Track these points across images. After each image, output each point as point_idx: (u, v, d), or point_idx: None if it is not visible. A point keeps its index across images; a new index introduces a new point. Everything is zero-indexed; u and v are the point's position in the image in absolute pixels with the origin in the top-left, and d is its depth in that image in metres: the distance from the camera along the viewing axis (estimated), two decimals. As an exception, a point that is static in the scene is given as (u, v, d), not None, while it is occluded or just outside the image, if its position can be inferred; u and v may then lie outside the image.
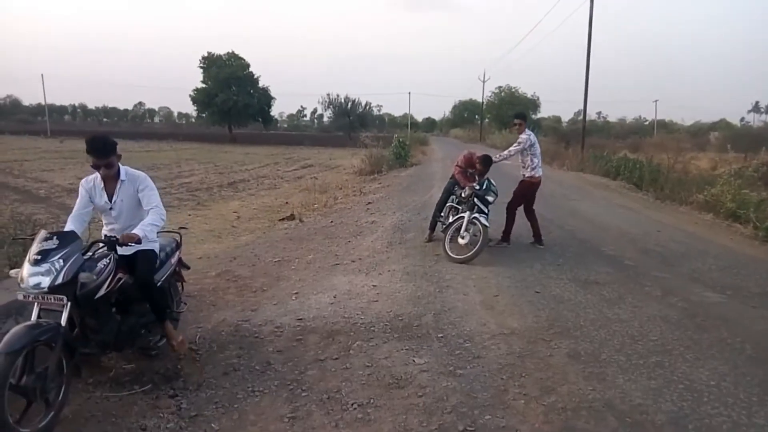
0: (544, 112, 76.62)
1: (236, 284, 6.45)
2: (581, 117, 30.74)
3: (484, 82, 63.65)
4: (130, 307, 3.85)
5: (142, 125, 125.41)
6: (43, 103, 79.27)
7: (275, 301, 5.76)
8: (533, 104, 67.06)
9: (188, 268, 5.04)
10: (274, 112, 74.87)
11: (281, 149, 47.70)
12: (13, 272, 3.47)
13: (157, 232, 4.10)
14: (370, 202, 13.31)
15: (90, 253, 3.53)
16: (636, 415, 3.31)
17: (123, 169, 3.90)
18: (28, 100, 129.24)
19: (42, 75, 71.52)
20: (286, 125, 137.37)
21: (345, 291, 5.94)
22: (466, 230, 7.13)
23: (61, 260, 3.22)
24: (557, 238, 8.65)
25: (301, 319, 5.11)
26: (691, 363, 4.08)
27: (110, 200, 3.89)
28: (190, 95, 65.73)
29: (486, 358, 4.15)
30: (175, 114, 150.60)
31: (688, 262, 7.28)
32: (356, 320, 5.02)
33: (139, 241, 3.60)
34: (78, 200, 3.95)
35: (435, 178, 17.46)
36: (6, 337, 2.97)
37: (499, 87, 67.81)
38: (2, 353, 2.85)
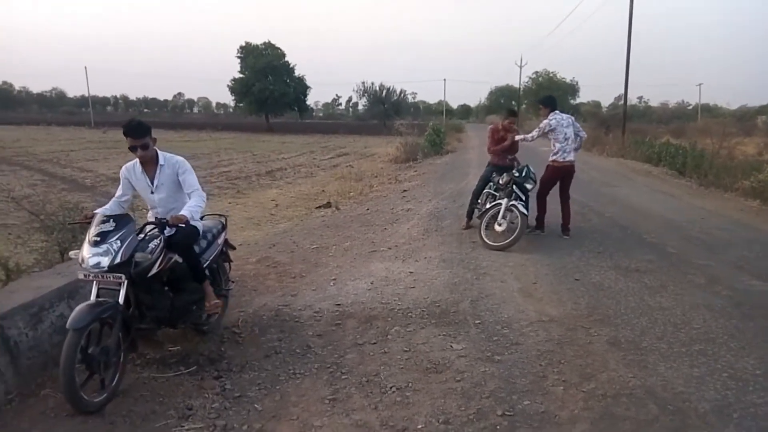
0: (584, 97, 75.04)
1: (276, 270, 6.59)
2: (622, 102, 29.99)
3: (521, 67, 62.79)
4: (181, 286, 4.01)
5: (182, 115, 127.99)
6: (86, 95, 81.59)
7: (314, 286, 5.86)
8: (572, 89, 65.73)
9: (234, 248, 5.20)
10: (310, 101, 75.33)
11: (317, 138, 48.08)
12: (72, 254, 3.69)
13: (203, 216, 4.28)
14: (405, 190, 13.32)
15: (142, 235, 3.69)
16: (678, 403, 3.27)
17: (161, 154, 4.07)
18: (72, 92, 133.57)
19: (86, 67, 73.52)
20: (321, 114, 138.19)
21: (382, 277, 5.99)
22: (503, 217, 7.08)
23: (118, 241, 3.42)
24: (597, 225, 8.52)
25: (339, 304, 5.19)
26: (735, 352, 3.99)
27: (151, 184, 4.06)
28: (228, 85, 66.80)
29: (524, 345, 4.15)
30: (214, 104, 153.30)
31: (733, 249, 7.07)
32: (394, 306, 5.07)
33: (187, 222, 3.77)
34: (119, 187, 4.18)
35: (471, 165, 17.35)
36: (72, 315, 3.20)
37: (537, 72, 66.72)
38: (70, 329, 3.12)
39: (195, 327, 4.34)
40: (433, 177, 15.68)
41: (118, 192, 4.15)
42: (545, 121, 7.53)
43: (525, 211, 6.93)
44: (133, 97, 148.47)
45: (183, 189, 4.12)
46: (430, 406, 3.31)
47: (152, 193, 4.09)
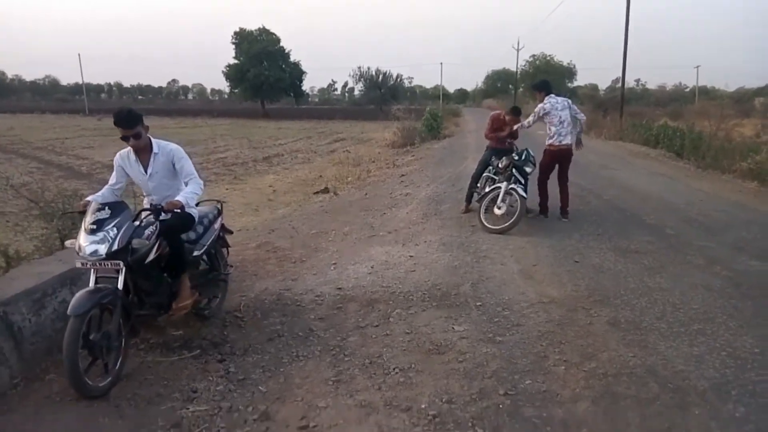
0: (581, 80, 74.59)
1: (276, 255, 6.60)
2: (619, 84, 29.92)
3: (518, 50, 62.45)
4: (178, 273, 4.01)
5: (177, 102, 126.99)
6: (79, 82, 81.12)
7: (314, 271, 5.88)
8: (569, 72, 65.43)
9: (231, 232, 5.20)
10: (305, 86, 74.86)
11: (313, 123, 47.89)
12: (69, 243, 3.67)
13: (199, 202, 4.26)
14: (403, 175, 13.32)
15: (138, 222, 3.68)
16: (678, 381, 3.30)
17: (155, 142, 4.03)
18: (65, 79, 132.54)
19: (79, 55, 72.78)
20: (317, 99, 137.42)
21: (382, 261, 6.01)
22: (503, 201, 7.09)
23: (114, 228, 3.42)
24: (596, 207, 8.54)
25: (340, 288, 5.21)
26: (734, 331, 4.03)
27: (145, 172, 4.03)
28: (222, 71, 66.27)
29: (525, 326, 4.18)
30: (209, 90, 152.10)
31: (731, 230, 7.10)
32: (394, 289, 5.09)
33: (182, 208, 3.74)
34: (113, 174, 4.13)
35: (468, 149, 17.32)
36: (72, 302, 3.22)
37: (534, 55, 66.35)
38: (71, 315, 3.14)
39: (196, 312, 4.35)
40: (430, 161, 15.67)
41: (112, 180, 4.09)
42: (539, 105, 7.51)
43: (524, 194, 6.94)
44: (127, 84, 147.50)
45: (179, 177, 4.09)
46: (433, 386, 3.34)
47: (147, 180, 4.06)
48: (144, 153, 4.01)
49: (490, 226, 6.98)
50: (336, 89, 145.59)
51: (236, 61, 64.81)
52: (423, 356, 3.77)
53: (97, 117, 51.75)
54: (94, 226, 3.41)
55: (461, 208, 8.29)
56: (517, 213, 6.85)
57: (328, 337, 4.18)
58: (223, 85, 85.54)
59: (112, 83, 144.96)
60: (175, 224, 3.92)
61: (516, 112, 7.89)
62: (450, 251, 6.21)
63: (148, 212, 3.75)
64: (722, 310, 4.43)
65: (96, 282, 3.43)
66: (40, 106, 74.71)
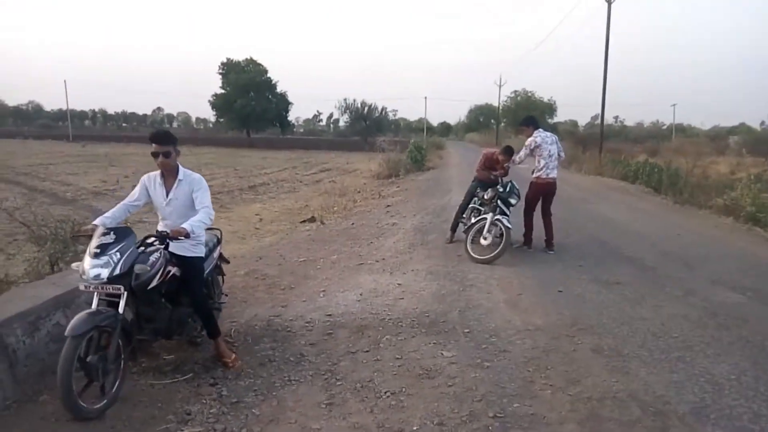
0: (561, 116, 76.24)
1: (265, 282, 6.67)
2: (598, 121, 30.69)
3: (500, 86, 63.72)
4: (178, 298, 4.09)
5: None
6: (63, 108, 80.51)
7: (304, 298, 5.96)
8: (549, 108, 66.88)
9: (228, 262, 5.29)
10: (291, 117, 75.40)
11: (298, 153, 48.13)
12: (74, 265, 3.74)
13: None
14: (389, 205, 13.49)
15: (143, 248, 3.76)
16: (659, 405, 3.44)
17: (182, 170, 4.14)
18: (49, 105, 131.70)
19: (65, 81, 72.83)
20: (302, 130, 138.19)
21: (371, 289, 6.12)
22: (489, 231, 7.28)
23: (117, 253, 3.49)
24: (577, 240, 8.76)
25: (330, 314, 5.30)
26: (712, 358, 4.19)
27: (166, 196, 4.12)
28: (209, 101, 66.68)
29: (512, 352, 4.30)
30: (193, 119, 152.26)
31: (708, 264, 7.35)
32: (384, 316, 5.19)
33: (187, 236, 3.80)
34: (133, 191, 4.21)
35: (452, 182, 17.60)
36: (71, 323, 3.27)
37: (515, 91, 67.87)
38: (69, 336, 3.19)
39: (189, 339, 4.40)
40: (416, 193, 15.88)
41: (133, 196, 4.17)
42: (530, 139, 7.75)
43: (509, 225, 7.13)
44: (111, 111, 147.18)
45: (195, 206, 4.16)
46: (423, 409, 3.43)
47: (165, 205, 4.13)
48: (169, 178, 4.11)
49: (476, 256, 7.14)
50: (321, 120, 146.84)
51: (223, 91, 65.29)
52: (413, 380, 3.86)
53: (82, 144, 51.57)
54: (98, 250, 3.48)
55: (447, 238, 8.45)
56: (502, 243, 7.03)
57: (320, 362, 4.25)
58: (208, 114, 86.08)
59: (96, 110, 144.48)
60: (190, 275, 4.07)
61: (509, 152, 8.02)
62: (437, 280, 6.33)
63: (154, 239, 3.82)
64: (700, 338, 4.60)
65: (98, 305, 3.49)
66: (22, 131, 74.14)
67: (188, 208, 4.12)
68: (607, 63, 23.89)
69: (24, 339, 3.78)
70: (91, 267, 3.45)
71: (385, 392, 3.68)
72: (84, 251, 5.67)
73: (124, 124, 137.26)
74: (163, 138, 4.01)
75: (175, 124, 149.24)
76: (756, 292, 6.02)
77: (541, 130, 7.85)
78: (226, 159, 38.63)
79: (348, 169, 29.51)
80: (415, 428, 3.20)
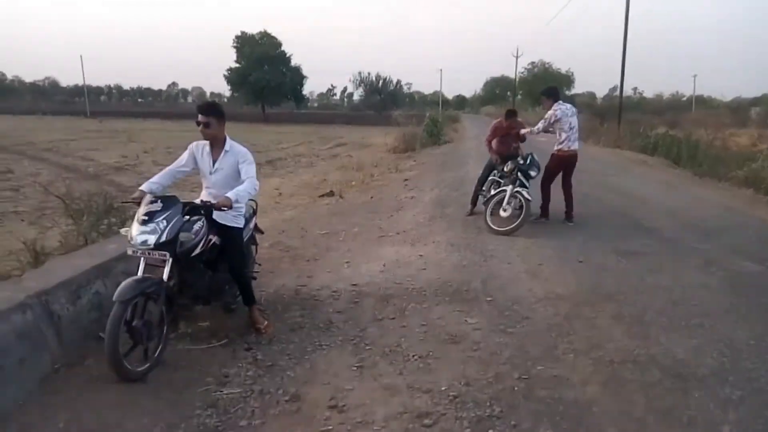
0: (579, 88, 75.36)
1: (289, 254, 6.84)
2: (617, 93, 30.31)
3: (517, 57, 63.03)
4: (217, 265, 4.26)
5: (176, 105, 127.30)
6: (79, 84, 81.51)
7: (328, 269, 6.12)
8: (567, 80, 66.11)
9: (263, 232, 5.45)
10: (305, 91, 75.26)
11: (314, 128, 48.17)
12: (123, 230, 3.94)
13: None
14: (406, 179, 13.56)
15: (187, 216, 3.89)
16: (679, 368, 3.56)
17: (229, 141, 4.26)
18: (65, 81, 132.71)
19: (81, 56, 73.20)
20: (316, 104, 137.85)
21: (393, 260, 6.26)
22: (508, 203, 7.36)
23: (164, 221, 3.65)
24: (597, 211, 8.79)
25: (355, 284, 5.45)
26: (730, 325, 4.29)
27: (213, 166, 4.26)
28: (224, 75, 66.85)
29: (534, 319, 4.43)
30: (208, 94, 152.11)
31: (727, 234, 7.37)
32: (408, 286, 5.34)
33: (230, 206, 3.93)
34: (181, 157, 4.36)
35: (469, 155, 17.58)
36: (119, 288, 3.44)
37: (532, 63, 67.18)
38: (117, 301, 3.36)
39: (226, 304, 4.59)
40: (432, 166, 15.93)
41: (180, 162, 4.31)
42: (550, 112, 7.74)
43: (529, 197, 7.20)
44: (126, 86, 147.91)
45: (241, 176, 4.25)
46: (451, 371, 3.59)
47: (210, 174, 4.26)
48: (217, 148, 4.25)
49: (495, 228, 7.24)
50: (335, 94, 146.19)
51: (237, 65, 65.22)
52: (439, 345, 4.01)
53: (99, 119, 52.04)
54: (146, 218, 3.65)
55: (466, 210, 8.54)
56: (522, 215, 7.12)
57: (348, 329, 4.42)
58: (223, 89, 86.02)
59: (111, 85, 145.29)
60: (230, 244, 4.25)
61: (511, 114, 8.20)
62: (458, 251, 6.46)
63: (199, 208, 3.95)
64: (719, 306, 4.70)
65: (144, 271, 3.66)
66: (40, 107, 74.83)
67: (233, 178, 4.23)
68: (627, 34, 23.51)
69: (68, 306, 3.96)
70: (139, 233, 3.61)
71: (413, 356, 3.84)
72: (120, 221, 5.91)
73: (140, 100, 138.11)
74: (206, 109, 4.15)
75: (189, 99, 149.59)
76: (775, 262, 6.06)
77: (561, 102, 7.83)
78: (242, 134, 38.47)
79: (364, 144, 29.54)
80: (443, 388, 3.35)
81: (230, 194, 3.93)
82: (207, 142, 4.27)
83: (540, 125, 7.87)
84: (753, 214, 8.98)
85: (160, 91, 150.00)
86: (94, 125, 44.92)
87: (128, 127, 43.75)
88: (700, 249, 6.58)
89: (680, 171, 14.93)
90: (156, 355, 3.68)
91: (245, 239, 4.65)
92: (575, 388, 3.33)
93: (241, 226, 4.41)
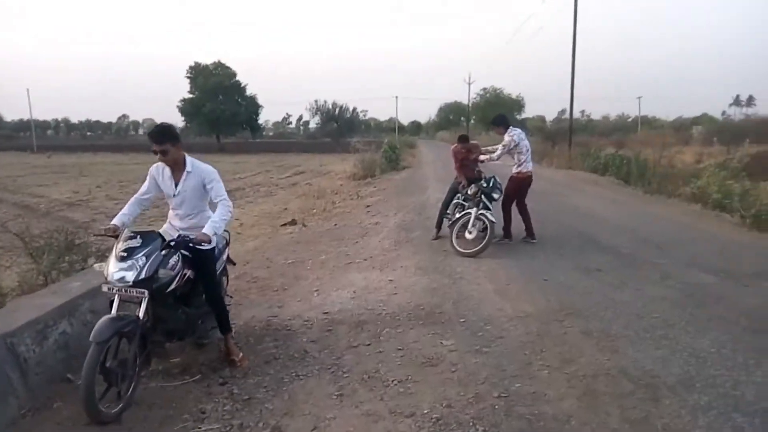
0: (529, 112, 77.61)
1: (257, 285, 6.78)
2: (565, 116, 31.44)
3: (469, 84, 64.61)
4: (190, 300, 4.20)
5: (126, 137, 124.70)
6: (24, 118, 79.08)
7: (298, 298, 6.09)
8: (518, 105, 68.10)
9: (234, 264, 5.35)
10: (260, 120, 74.99)
11: (270, 157, 47.87)
12: (97, 266, 3.86)
13: None
14: (369, 205, 13.64)
15: (164, 251, 3.82)
16: (648, 379, 3.70)
17: (189, 160, 4.15)
18: (9, 115, 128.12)
19: (28, 90, 71.14)
20: (271, 133, 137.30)
21: (363, 286, 6.28)
22: (473, 225, 7.51)
23: (144, 257, 3.59)
24: (556, 231, 9.05)
25: (327, 312, 5.45)
26: (693, 335, 4.48)
27: (175, 188, 4.15)
28: (177, 106, 65.91)
29: (507, 338, 4.53)
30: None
31: (682, 248, 7.71)
32: (380, 311, 5.37)
33: (209, 242, 3.91)
34: (144, 184, 4.27)
35: (429, 179, 17.85)
36: (95, 329, 3.34)
37: (484, 89, 68.92)
38: (93, 342, 3.26)
39: (196, 340, 4.50)
40: (394, 192, 16.08)
41: (142, 189, 4.23)
42: (507, 138, 7.98)
43: (493, 219, 7.37)
44: (74, 120, 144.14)
45: (207, 198, 4.20)
46: (431, 394, 3.62)
47: (174, 196, 4.17)
48: (177, 170, 4.13)
49: (462, 250, 7.37)
50: (291, 123, 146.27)
51: (191, 96, 64.59)
52: (417, 369, 4.05)
53: (47, 154, 50.41)
54: (125, 254, 3.58)
55: (432, 234, 8.66)
56: (487, 237, 7.27)
57: (324, 357, 4.40)
58: (175, 120, 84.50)
59: (59, 119, 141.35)
60: (204, 268, 4.17)
61: (463, 139, 8.54)
62: (427, 275, 6.54)
63: (175, 243, 3.87)
64: (680, 317, 4.90)
65: (117, 309, 3.57)
66: (-19, 143, 72.10)
67: (199, 198, 4.19)
68: (575, 59, 24.48)
69: (34, 347, 3.84)
70: (117, 270, 3.54)
71: (392, 381, 3.86)
72: (82, 258, 5.76)
73: (88, 133, 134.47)
74: (158, 136, 3.99)
75: (140, 131, 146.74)
76: (727, 273, 6.37)
77: (512, 127, 8.12)
78: None
79: (322, 171, 29.56)
80: (425, 411, 3.38)
81: (207, 229, 3.90)
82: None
83: (499, 151, 8.09)
84: (703, 229, 9.42)
85: (110, 123, 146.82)
86: (42, 160, 43.51)
87: (78, 161, 42.60)
88: (657, 263, 6.86)
89: (631, 189, 15.51)
90: (128, 394, 3.58)
91: (218, 271, 4.59)
92: (553, 403, 3.41)
93: (213, 245, 4.28)
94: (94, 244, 6.15)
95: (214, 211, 4.18)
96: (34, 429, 3.42)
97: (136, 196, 4.24)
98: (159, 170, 4.21)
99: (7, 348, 3.59)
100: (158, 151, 4.00)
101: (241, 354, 4.39)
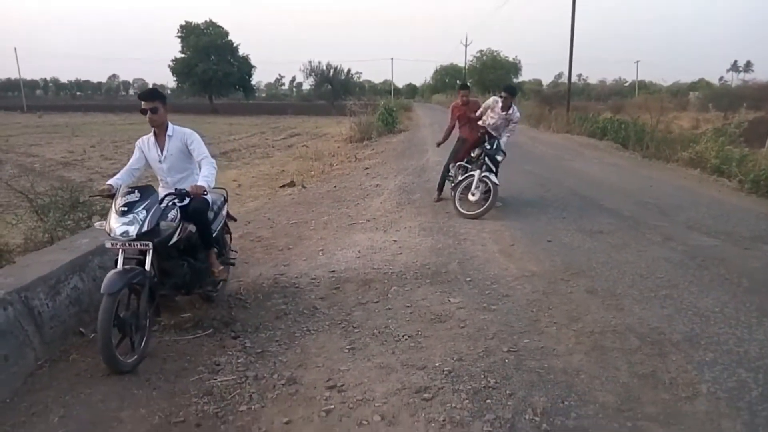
0: (525, 75, 76.70)
1: (261, 244, 6.81)
2: (561, 79, 31.16)
3: (466, 46, 63.82)
4: (194, 254, 4.24)
5: (117, 98, 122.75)
6: (12, 77, 77.26)
7: (304, 257, 6.13)
8: (515, 68, 67.21)
9: (235, 219, 5.39)
10: (253, 81, 73.87)
11: (264, 119, 47.42)
12: (98, 224, 3.85)
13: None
14: (367, 168, 13.60)
15: (163, 205, 3.87)
16: (654, 335, 3.78)
17: (171, 126, 4.26)
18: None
19: (15, 49, 69.62)
20: (264, 94, 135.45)
21: (368, 246, 6.32)
22: (476, 187, 7.52)
23: (144, 210, 3.62)
24: (558, 194, 9.09)
25: (333, 271, 5.50)
26: (696, 294, 4.57)
27: (161, 154, 4.25)
28: (169, 66, 64.70)
29: (514, 296, 4.60)
30: (150, 85, 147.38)
31: (682, 212, 7.78)
32: (386, 270, 5.42)
33: (205, 192, 3.97)
34: (132, 156, 4.35)
35: (426, 143, 17.73)
36: (105, 281, 3.39)
37: (481, 51, 67.78)
38: (105, 294, 3.31)
39: (205, 294, 4.56)
40: (392, 154, 16.01)
41: (131, 161, 4.31)
42: (517, 115, 8.07)
43: (497, 181, 7.38)
44: (64, 79, 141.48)
45: (192, 158, 4.30)
46: (441, 348, 3.70)
47: (161, 162, 4.26)
48: (161, 136, 4.24)
49: (465, 212, 7.40)
50: (284, 84, 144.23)
51: (183, 56, 63.37)
52: (427, 325, 4.12)
53: (38, 114, 49.64)
54: (125, 209, 3.59)
55: (433, 196, 8.67)
56: (490, 199, 7.30)
57: (333, 313, 4.47)
58: (167, 80, 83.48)
59: (48, 79, 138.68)
60: (200, 207, 4.14)
61: (464, 87, 8.65)
62: (431, 235, 6.58)
63: (173, 196, 3.93)
64: (683, 278, 4.98)
65: (123, 264, 3.60)
66: (-30, 102, 70.82)
67: (184, 161, 4.30)
68: (574, 21, 24.10)
69: (47, 302, 3.87)
70: (119, 225, 3.55)
71: (403, 336, 3.93)
72: (87, 215, 5.75)
73: (78, 93, 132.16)
74: (149, 95, 4.15)
75: (131, 92, 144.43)
76: (728, 236, 6.46)
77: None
78: (191, 125, 36.47)
79: (318, 134, 29.34)
80: (437, 364, 3.45)
81: (201, 182, 4.00)
82: (151, 135, 4.27)
83: (515, 130, 8.20)
84: (703, 193, 9.49)
85: (100, 83, 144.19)
86: (33, 120, 42.85)
87: (70, 121, 42.04)
88: (659, 226, 6.93)
89: (629, 154, 15.53)
90: (142, 346, 3.65)
91: (218, 227, 4.64)
92: (562, 358, 3.49)
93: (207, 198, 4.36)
94: (99, 203, 6.13)
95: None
96: (52, 379, 3.47)
97: (126, 167, 4.32)
98: (144, 142, 4.31)
99: (21, 302, 3.62)
100: (148, 109, 4.08)
101: (221, 267, 4.49)
